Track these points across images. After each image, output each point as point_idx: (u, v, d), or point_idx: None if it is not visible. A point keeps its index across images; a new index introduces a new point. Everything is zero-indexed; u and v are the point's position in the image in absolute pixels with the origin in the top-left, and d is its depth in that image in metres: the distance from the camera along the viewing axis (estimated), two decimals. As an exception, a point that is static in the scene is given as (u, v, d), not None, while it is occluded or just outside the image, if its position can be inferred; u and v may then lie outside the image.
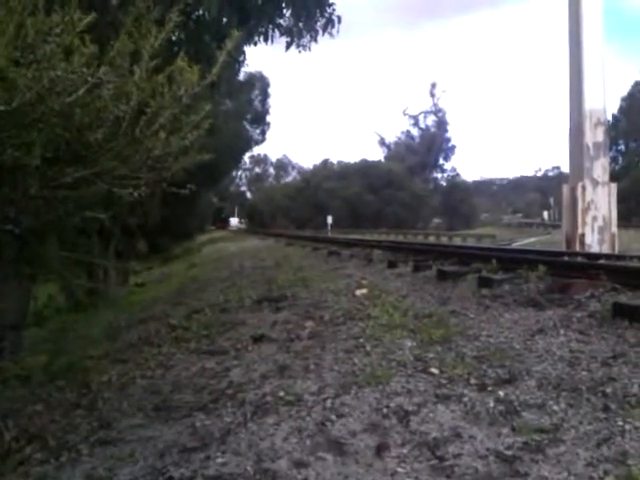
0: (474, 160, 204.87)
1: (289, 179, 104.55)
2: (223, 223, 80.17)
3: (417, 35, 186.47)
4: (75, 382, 5.57)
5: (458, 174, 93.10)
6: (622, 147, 70.67)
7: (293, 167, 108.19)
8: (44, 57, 3.10)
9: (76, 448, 3.66)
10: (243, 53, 10.43)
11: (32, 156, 3.30)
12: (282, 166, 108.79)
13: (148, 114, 3.71)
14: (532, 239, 32.46)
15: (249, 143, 55.99)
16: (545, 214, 62.00)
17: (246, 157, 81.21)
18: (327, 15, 9.81)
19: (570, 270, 6.58)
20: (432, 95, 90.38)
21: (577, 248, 11.67)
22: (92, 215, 4.24)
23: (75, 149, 3.60)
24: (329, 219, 49.78)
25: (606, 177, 12.41)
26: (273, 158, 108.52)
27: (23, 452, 3.84)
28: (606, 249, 11.77)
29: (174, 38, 8.08)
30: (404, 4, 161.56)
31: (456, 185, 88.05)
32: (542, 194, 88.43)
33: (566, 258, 8.04)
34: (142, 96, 3.65)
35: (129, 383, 5.04)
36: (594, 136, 12.38)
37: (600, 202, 12.18)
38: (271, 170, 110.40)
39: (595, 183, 12.21)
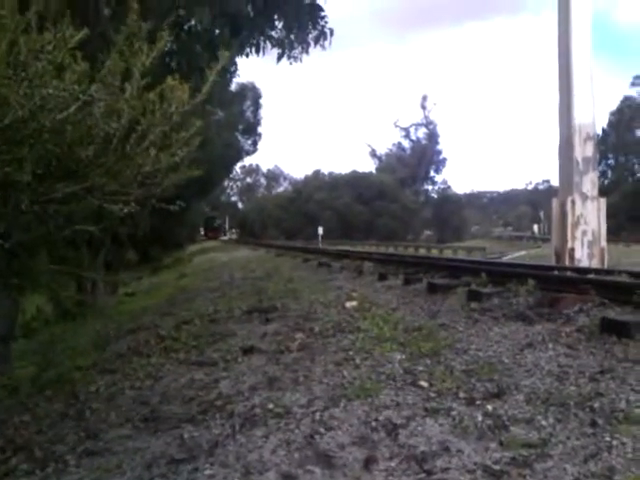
0: (465, 173, 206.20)
1: (280, 189, 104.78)
2: (215, 232, 73.98)
3: (408, 47, 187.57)
4: (63, 392, 5.54)
5: (449, 186, 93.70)
6: (611, 161, 71.15)
7: (284, 177, 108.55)
8: (36, 75, 3.13)
9: (63, 459, 3.65)
10: (235, 64, 10.52)
11: (23, 172, 3.31)
12: (273, 176, 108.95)
13: (138, 131, 3.74)
14: (522, 252, 32.61)
15: (240, 153, 56.12)
16: (535, 227, 62.24)
17: (237, 167, 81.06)
18: (319, 27, 9.89)
19: (559, 284, 6.60)
20: (423, 107, 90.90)
21: (567, 262, 11.69)
22: (82, 228, 4.25)
23: (66, 165, 3.61)
24: (320, 230, 49.72)
25: (595, 192, 12.45)
26: (264, 168, 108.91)
27: (9, 463, 3.81)
28: (595, 264, 11.79)
29: (166, 48, 8.11)
30: (396, 17, 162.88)
31: (447, 197, 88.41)
32: (532, 207, 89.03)
33: (555, 272, 8.06)
34: (133, 114, 3.68)
35: (117, 394, 5.01)
36: (583, 150, 12.42)
37: (589, 216, 12.21)
38: (262, 180, 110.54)
39: (584, 197, 12.25)
